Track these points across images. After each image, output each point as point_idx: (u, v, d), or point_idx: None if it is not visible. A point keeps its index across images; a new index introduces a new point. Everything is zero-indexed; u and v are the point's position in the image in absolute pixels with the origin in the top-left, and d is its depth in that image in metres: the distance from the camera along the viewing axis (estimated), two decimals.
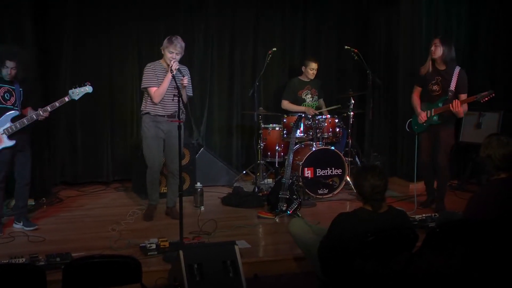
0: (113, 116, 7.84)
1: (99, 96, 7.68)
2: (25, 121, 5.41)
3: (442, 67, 6.28)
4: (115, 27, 7.72)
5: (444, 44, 6.22)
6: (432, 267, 3.84)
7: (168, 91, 5.79)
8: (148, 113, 5.95)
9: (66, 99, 5.49)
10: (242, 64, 8.42)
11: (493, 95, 6.05)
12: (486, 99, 6.06)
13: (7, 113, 5.41)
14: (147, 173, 6.12)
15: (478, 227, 3.74)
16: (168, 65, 5.72)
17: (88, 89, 5.58)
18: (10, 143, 5.41)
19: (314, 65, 7.89)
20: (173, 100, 5.70)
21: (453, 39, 7.80)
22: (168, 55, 5.75)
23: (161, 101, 5.84)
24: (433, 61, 6.32)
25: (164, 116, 5.89)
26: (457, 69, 6.22)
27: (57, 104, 5.46)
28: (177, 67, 5.64)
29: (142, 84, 5.95)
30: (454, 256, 3.81)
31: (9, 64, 5.39)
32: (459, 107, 6.09)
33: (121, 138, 7.92)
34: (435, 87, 6.31)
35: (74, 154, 7.74)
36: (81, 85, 5.55)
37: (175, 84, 5.30)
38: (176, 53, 5.74)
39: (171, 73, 5.53)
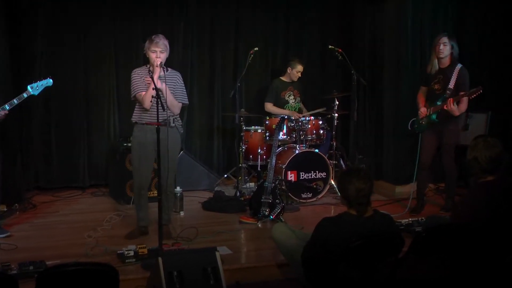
0: (89, 119, 7.79)
1: (75, 98, 7.68)
2: None
3: (444, 66, 6.37)
4: (90, 26, 7.68)
5: (451, 40, 6.32)
6: (419, 272, 3.86)
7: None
8: (136, 122, 5.67)
9: (25, 95, 5.34)
10: (223, 64, 8.41)
11: (481, 91, 6.12)
12: (475, 95, 6.14)
13: None
14: (133, 188, 5.89)
15: (466, 231, 3.76)
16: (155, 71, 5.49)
17: (48, 82, 5.46)
18: None
19: (301, 68, 7.91)
20: (153, 102, 5.60)
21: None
22: (152, 55, 5.50)
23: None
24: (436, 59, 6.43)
25: (153, 123, 5.47)
26: (458, 67, 6.30)
27: (15, 101, 5.32)
28: (161, 61, 5.46)
29: (131, 92, 5.64)
30: (441, 261, 3.83)
31: None
32: (451, 105, 6.16)
33: (97, 141, 7.86)
34: (436, 86, 6.40)
35: (48, 158, 7.68)
36: (41, 79, 5.44)
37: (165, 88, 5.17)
38: (161, 51, 5.49)
39: (157, 66, 5.37)
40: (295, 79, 7.98)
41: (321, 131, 7.56)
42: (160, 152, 5.32)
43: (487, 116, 7.56)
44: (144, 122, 5.59)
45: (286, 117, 7.28)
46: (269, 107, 7.97)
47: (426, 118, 6.44)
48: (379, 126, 7.92)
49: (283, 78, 8.06)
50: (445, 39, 6.31)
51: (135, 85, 5.60)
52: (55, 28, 7.51)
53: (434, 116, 6.38)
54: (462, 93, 6.18)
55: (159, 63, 5.43)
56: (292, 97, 8.01)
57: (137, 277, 4.60)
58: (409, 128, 6.71)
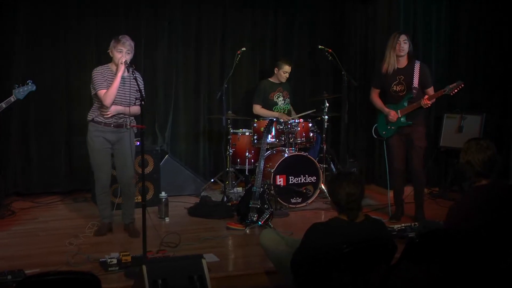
0: (70, 121, 7.75)
1: (55, 99, 7.63)
2: None
3: (402, 65, 6.34)
4: (72, 25, 7.64)
5: (409, 39, 6.32)
6: (412, 279, 3.87)
7: (117, 96, 5.68)
8: (92, 120, 5.81)
9: (12, 99, 5.47)
10: (209, 65, 8.40)
11: (462, 86, 6.12)
12: (456, 91, 6.15)
13: None
14: (95, 188, 6.04)
15: (460, 237, 3.77)
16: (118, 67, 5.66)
17: (31, 87, 5.56)
18: None
19: (288, 68, 7.91)
20: (135, 103, 5.66)
21: (433, 38, 7.93)
22: (117, 55, 5.65)
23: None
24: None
25: (110, 125, 5.76)
26: (417, 64, 6.31)
27: (3, 105, 5.43)
28: (125, 59, 5.57)
29: (92, 90, 5.81)
30: (435, 267, 3.84)
31: None
32: (429, 104, 6.18)
33: (79, 145, 7.79)
34: (399, 87, 6.35)
35: (27, 162, 7.63)
36: (23, 84, 5.53)
37: (128, 88, 5.27)
38: (127, 51, 5.64)
39: (122, 64, 5.50)
40: (283, 80, 7.99)
41: (311, 134, 7.57)
42: (119, 154, 5.81)
43: (482, 118, 7.59)
44: (100, 121, 5.76)
45: (274, 119, 7.29)
46: (258, 109, 7.96)
47: (396, 122, 6.39)
48: (371, 129, 7.92)
49: (271, 79, 8.06)
50: (405, 37, 6.27)
51: (96, 83, 5.72)
52: (35, 26, 7.47)
53: (403, 119, 6.33)
54: (441, 90, 6.19)
55: (123, 60, 5.54)
56: (281, 98, 8.01)
57: (120, 286, 4.58)
58: (374, 135, 6.65)
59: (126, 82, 5.70)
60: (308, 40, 8.79)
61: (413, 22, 7.78)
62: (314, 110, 7.89)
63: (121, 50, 5.63)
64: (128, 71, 5.53)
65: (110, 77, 5.73)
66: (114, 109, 5.70)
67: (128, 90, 5.71)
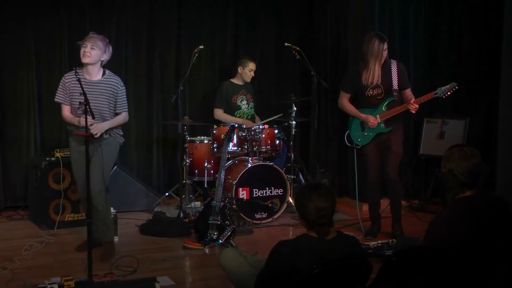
0: (4, 130, 7.67)
1: None
2: None
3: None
4: (5, 21, 7.56)
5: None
6: None
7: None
8: (72, 130, 5.78)
9: None
10: (163, 65, 8.39)
11: (457, 88, 6.15)
12: (449, 93, 6.18)
13: None
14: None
15: (442, 254, 3.80)
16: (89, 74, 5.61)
17: None
18: None
19: (253, 66, 7.94)
20: (79, 109, 5.50)
21: (411, 36, 8.00)
22: (81, 51, 5.56)
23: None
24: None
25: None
26: (394, 64, 6.36)
27: None
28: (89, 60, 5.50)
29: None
30: None
31: None
32: (417, 108, 6.20)
33: (14, 156, 7.72)
34: (376, 91, 6.36)
35: None
36: None
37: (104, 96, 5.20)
38: (91, 47, 5.51)
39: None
40: (248, 80, 8.00)
41: (277, 142, 7.59)
42: (94, 161, 5.57)
43: (465, 123, 7.67)
44: (74, 132, 5.67)
45: (236, 125, 7.28)
46: (219, 114, 7.95)
47: (374, 128, 6.40)
48: (343, 136, 7.96)
49: (233, 80, 8.06)
50: (387, 45, 6.28)
51: (57, 91, 5.69)
52: None
53: (383, 124, 6.38)
54: (430, 93, 6.20)
55: (86, 61, 5.50)
56: (244, 102, 8.02)
57: None
58: (347, 143, 6.66)
59: (99, 87, 5.56)
60: (273, 38, 8.83)
61: (389, 18, 7.84)
62: (282, 114, 7.90)
63: (85, 45, 5.53)
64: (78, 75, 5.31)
65: (74, 86, 5.55)
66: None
67: (104, 98, 5.62)
